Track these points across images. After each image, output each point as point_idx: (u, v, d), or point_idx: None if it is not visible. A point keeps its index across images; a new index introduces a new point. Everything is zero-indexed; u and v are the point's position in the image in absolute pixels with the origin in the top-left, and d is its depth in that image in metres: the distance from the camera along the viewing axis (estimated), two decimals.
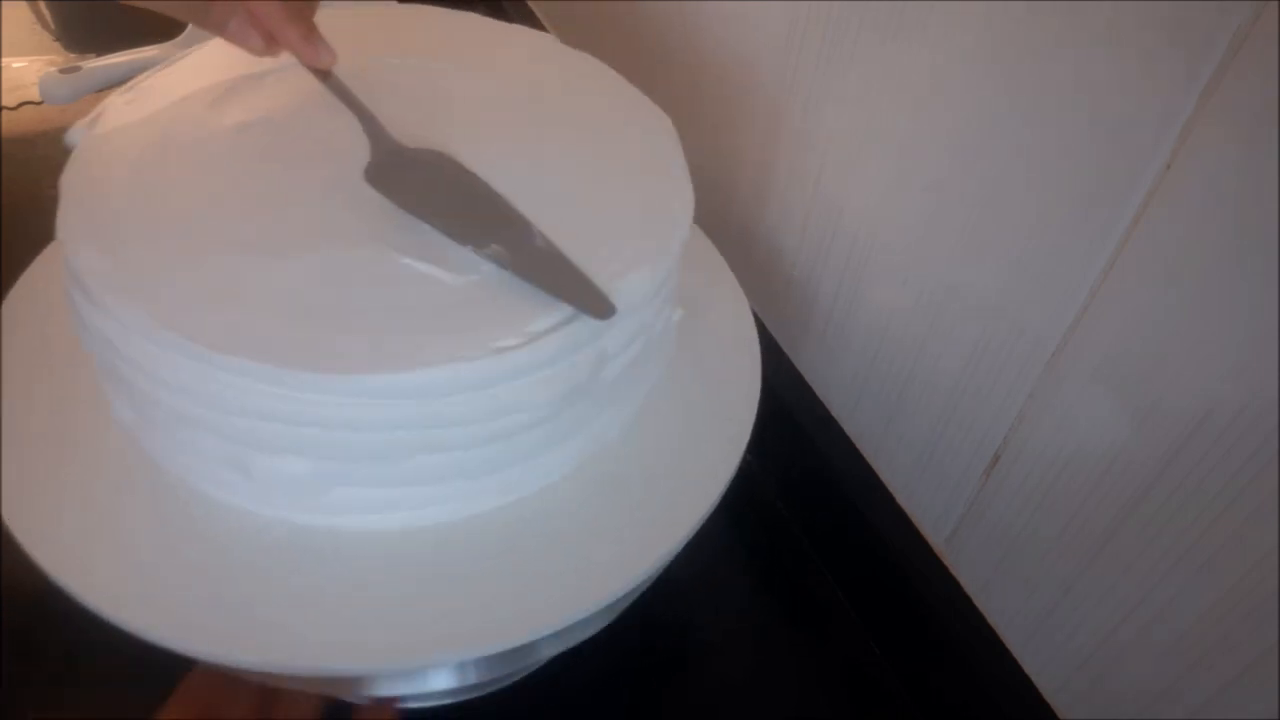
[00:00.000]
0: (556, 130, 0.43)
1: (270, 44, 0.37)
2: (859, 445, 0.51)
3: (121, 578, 0.35)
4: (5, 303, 0.43)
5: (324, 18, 0.39)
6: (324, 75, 0.39)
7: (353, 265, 0.35)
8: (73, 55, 0.78)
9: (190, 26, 0.72)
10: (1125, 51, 0.31)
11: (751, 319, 0.47)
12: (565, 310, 0.34)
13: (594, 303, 0.35)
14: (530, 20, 0.83)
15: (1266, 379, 0.29)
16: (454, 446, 0.35)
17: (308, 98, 0.40)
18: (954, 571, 0.47)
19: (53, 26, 0.81)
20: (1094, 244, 0.34)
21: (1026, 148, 0.36)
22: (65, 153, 0.38)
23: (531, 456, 0.38)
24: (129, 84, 0.43)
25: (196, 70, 0.43)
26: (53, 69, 0.68)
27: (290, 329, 0.33)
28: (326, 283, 0.34)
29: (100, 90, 0.68)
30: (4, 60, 0.77)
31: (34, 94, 0.71)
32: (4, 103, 0.73)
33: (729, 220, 0.58)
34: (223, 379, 0.32)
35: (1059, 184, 0.35)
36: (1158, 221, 0.32)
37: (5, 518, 0.35)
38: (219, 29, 0.36)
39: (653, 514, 0.39)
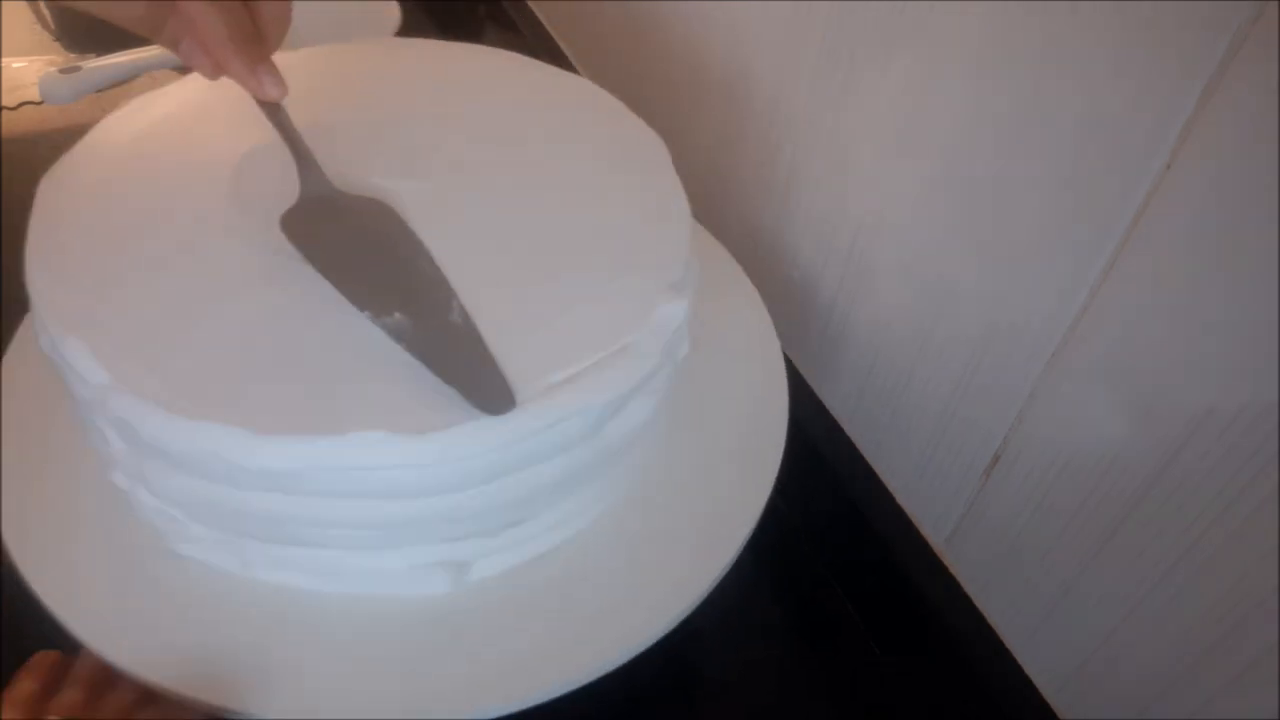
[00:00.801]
0: (551, 179, 0.40)
1: (219, 69, 0.35)
2: (859, 445, 0.51)
3: (141, 637, 0.35)
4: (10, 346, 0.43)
5: (319, 53, 0.38)
6: (272, 109, 0.36)
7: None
8: (73, 55, 0.78)
9: None
10: (1125, 51, 0.31)
11: (781, 358, 0.46)
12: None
13: (489, 396, 0.31)
14: (532, 23, 0.83)
15: (1266, 379, 0.29)
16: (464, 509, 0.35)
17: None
18: (954, 571, 0.47)
19: (53, 26, 0.81)
20: (1094, 244, 0.34)
21: (1026, 148, 0.36)
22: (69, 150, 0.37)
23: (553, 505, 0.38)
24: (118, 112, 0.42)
25: (191, 93, 0.43)
26: (53, 69, 0.67)
27: (274, 391, 0.32)
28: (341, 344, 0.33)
29: (100, 90, 0.68)
30: (4, 60, 0.77)
31: (34, 94, 0.71)
32: (4, 103, 0.73)
33: (729, 220, 0.58)
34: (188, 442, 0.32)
35: (1059, 184, 0.35)
36: (1158, 221, 0.32)
37: (16, 562, 0.36)
38: (172, 47, 0.34)
39: (681, 561, 0.39)
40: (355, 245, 0.35)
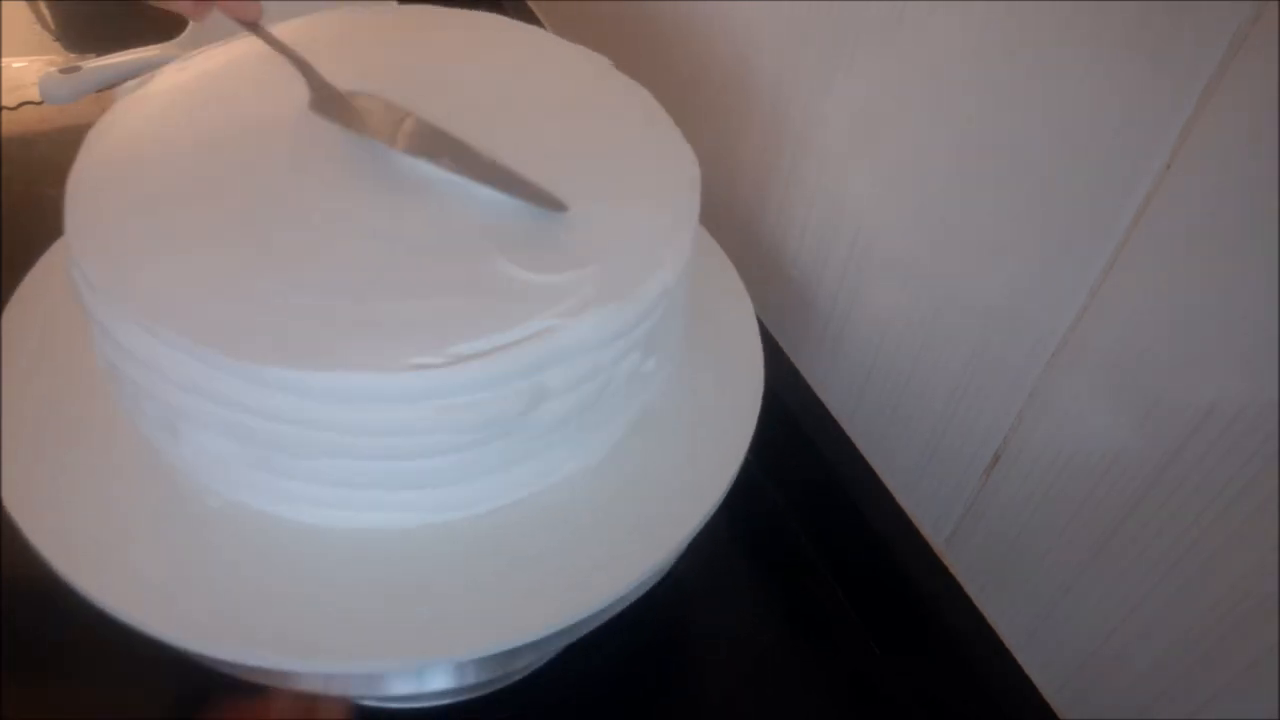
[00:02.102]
0: (554, 145, 0.40)
1: (198, 3, 0.37)
2: (859, 445, 0.51)
3: (131, 576, 0.35)
4: (9, 305, 0.42)
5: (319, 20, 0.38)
6: (253, 27, 0.39)
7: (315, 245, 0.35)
8: (73, 55, 0.78)
9: (191, 26, 0.72)
10: (1125, 51, 0.31)
11: (755, 321, 0.46)
12: (498, 338, 0.33)
13: (547, 199, 0.36)
14: (530, 20, 0.82)
15: (1267, 379, 0.29)
16: (404, 455, 0.35)
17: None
18: (954, 571, 0.47)
19: (53, 26, 0.81)
20: (1094, 244, 0.34)
21: (1026, 148, 0.36)
22: (69, 149, 0.37)
23: (498, 470, 0.37)
24: (138, 80, 0.42)
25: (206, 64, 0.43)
26: (53, 69, 0.67)
27: (260, 322, 0.32)
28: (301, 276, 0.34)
29: (100, 90, 0.68)
30: (4, 60, 0.77)
31: (34, 94, 0.71)
32: (4, 103, 0.73)
33: (729, 220, 0.58)
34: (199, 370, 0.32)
35: (1059, 184, 0.35)
36: (1158, 221, 0.32)
37: (10, 512, 0.35)
38: None
39: (651, 518, 0.38)
40: (377, 119, 0.39)
